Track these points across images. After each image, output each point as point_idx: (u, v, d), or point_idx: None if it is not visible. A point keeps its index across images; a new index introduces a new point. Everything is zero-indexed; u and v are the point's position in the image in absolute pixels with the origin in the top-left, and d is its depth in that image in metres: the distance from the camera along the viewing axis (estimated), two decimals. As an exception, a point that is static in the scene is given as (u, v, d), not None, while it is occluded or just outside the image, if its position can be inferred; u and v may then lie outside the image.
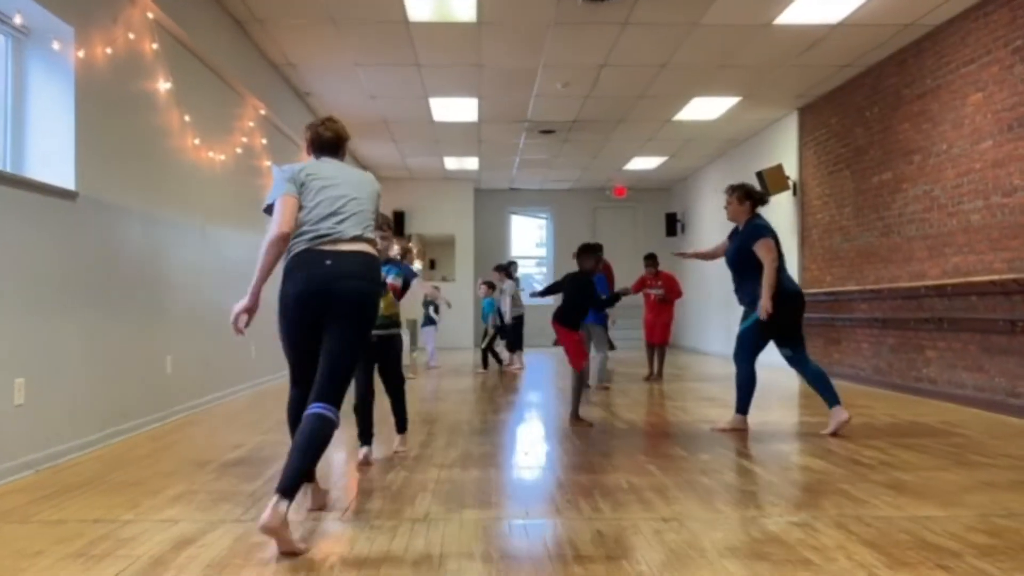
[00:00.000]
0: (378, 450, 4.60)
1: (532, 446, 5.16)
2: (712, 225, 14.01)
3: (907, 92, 7.94)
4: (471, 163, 14.19)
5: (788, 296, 5.43)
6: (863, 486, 3.86)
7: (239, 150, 7.47)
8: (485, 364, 10.92)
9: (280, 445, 4.90)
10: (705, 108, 10.43)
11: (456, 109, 10.38)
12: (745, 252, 5.49)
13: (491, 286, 11.02)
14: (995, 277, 6.43)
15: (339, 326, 3.10)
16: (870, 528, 3.11)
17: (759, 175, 10.61)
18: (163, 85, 5.75)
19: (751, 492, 3.75)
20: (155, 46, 5.57)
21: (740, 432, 5.53)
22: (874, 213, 8.62)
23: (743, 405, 5.65)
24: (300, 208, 3.18)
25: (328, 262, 3.08)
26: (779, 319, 5.38)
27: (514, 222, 17.82)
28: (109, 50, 4.92)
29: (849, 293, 9.03)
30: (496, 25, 7.36)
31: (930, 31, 7.48)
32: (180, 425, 5.75)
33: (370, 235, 3.24)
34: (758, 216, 5.68)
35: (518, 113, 10.70)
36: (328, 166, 3.36)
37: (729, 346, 12.38)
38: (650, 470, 4.28)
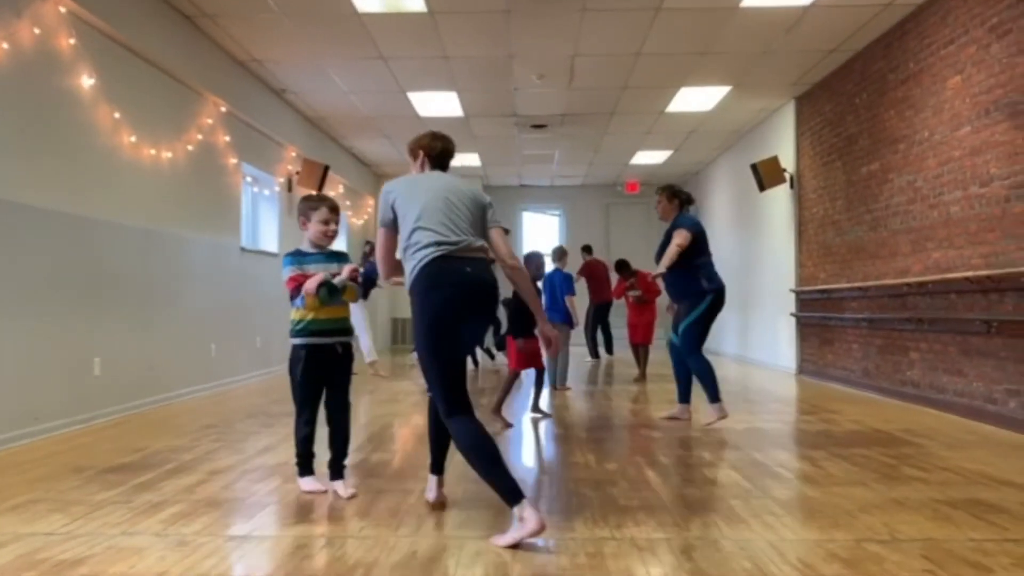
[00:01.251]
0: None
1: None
2: (727, 219, 13.56)
3: (892, 77, 7.46)
4: (472, 159, 13.96)
5: (715, 291, 5.62)
6: (756, 503, 3.52)
7: (191, 147, 7.36)
8: (475, 361, 10.74)
9: (184, 451, 4.75)
10: (696, 99, 10.02)
11: (438, 104, 10.17)
12: (667, 246, 5.49)
13: None
14: (970, 274, 5.96)
15: (476, 325, 3.25)
16: (717, 554, 2.79)
17: (753, 168, 10.18)
18: (86, 81, 5.65)
19: (626, 508, 3.44)
20: (72, 41, 5.46)
21: (722, 420, 5.62)
22: (863, 206, 8.14)
23: (713, 393, 5.62)
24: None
25: (468, 269, 3.12)
26: (715, 310, 5.64)
27: (526, 219, 17.55)
28: (6, 45, 4.81)
29: (840, 291, 8.56)
30: (449, 15, 7.11)
31: (913, 11, 7.00)
32: (101, 428, 5.64)
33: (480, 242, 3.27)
34: (684, 212, 5.82)
35: (504, 108, 10.44)
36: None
37: (742, 347, 11.96)
38: (541, 481, 4.01)
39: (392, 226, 3.27)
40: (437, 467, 3.49)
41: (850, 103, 8.43)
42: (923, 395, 6.77)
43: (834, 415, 6.29)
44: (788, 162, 10.12)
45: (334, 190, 12.33)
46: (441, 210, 3.16)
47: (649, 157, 13.87)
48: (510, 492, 2.93)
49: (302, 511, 3.42)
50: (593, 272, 11.62)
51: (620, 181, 16.21)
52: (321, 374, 3.68)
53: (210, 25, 7.34)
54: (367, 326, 9.32)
